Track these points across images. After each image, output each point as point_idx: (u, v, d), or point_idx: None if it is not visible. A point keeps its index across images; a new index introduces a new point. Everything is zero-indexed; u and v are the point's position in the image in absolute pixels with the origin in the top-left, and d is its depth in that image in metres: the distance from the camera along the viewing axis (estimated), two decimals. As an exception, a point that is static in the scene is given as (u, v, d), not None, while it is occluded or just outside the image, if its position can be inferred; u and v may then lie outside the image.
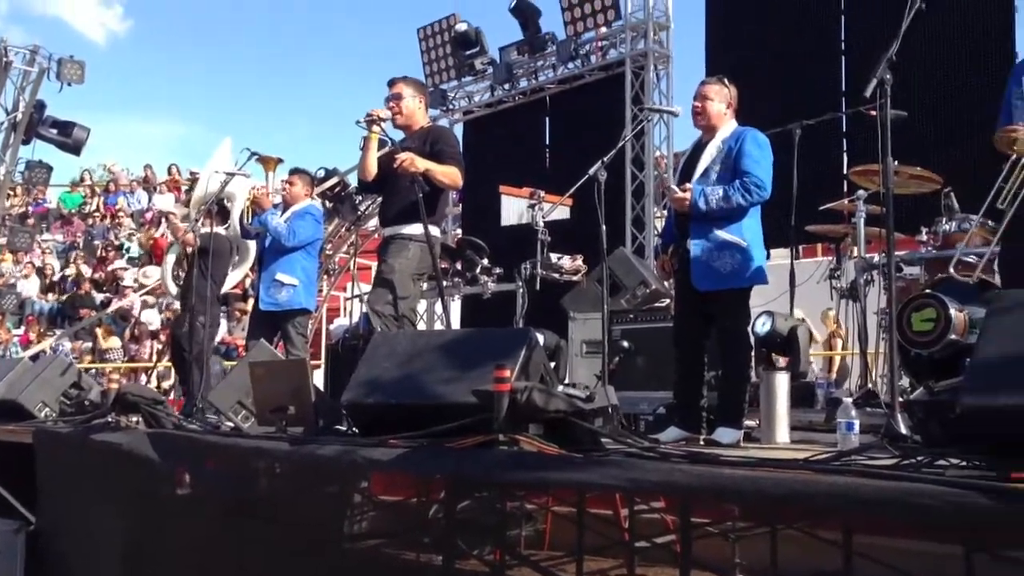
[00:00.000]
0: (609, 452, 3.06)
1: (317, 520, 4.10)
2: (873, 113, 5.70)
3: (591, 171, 4.68)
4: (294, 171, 7.08)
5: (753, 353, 4.81)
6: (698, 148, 4.80)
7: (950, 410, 2.52)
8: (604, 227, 4.66)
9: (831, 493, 2.42)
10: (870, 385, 5.35)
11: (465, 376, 3.55)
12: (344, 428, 3.91)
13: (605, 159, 4.71)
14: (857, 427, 3.45)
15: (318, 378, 8.24)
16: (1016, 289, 2.75)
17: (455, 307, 11.09)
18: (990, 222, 5.39)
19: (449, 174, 5.22)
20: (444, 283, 7.22)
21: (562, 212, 7.98)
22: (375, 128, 5.27)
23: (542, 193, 7.29)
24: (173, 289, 7.97)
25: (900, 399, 3.18)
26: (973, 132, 6.73)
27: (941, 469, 2.48)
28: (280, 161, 6.88)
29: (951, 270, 4.80)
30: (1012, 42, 7.10)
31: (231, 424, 4.86)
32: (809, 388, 5.61)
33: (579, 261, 7.43)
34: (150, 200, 18.70)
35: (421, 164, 5.06)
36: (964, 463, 2.51)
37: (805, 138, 6.44)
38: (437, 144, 5.28)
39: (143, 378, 12.56)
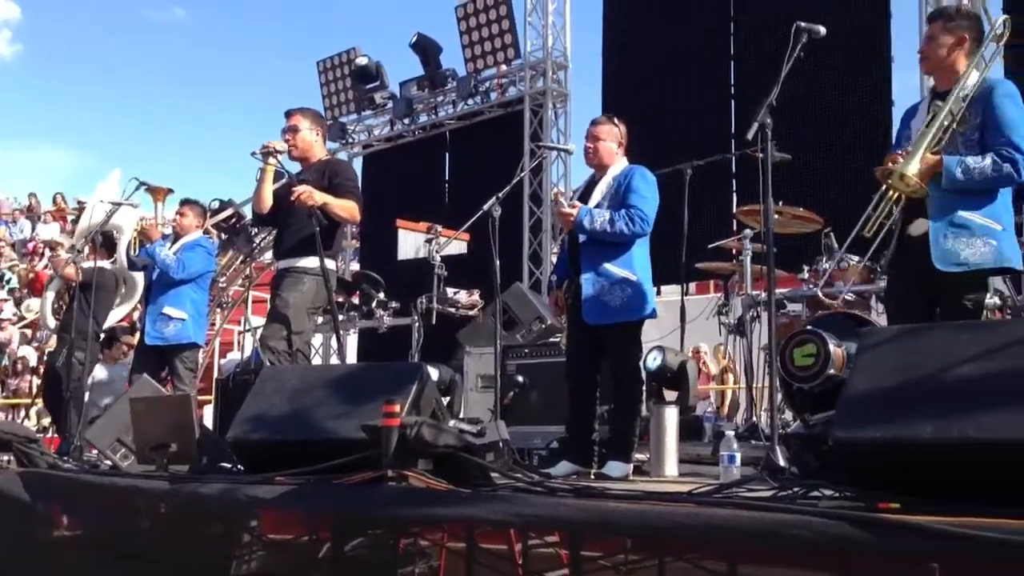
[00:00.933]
0: (498, 487, 3.06)
1: (202, 562, 3.97)
2: (759, 155, 5.95)
3: (485, 207, 4.73)
4: (185, 202, 6.93)
5: (644, 387, 4.88)
6: (591, 184, 4.90)
7: (824, 443, 2.61)
8: (498, 262, 4.70)
9: (712, 525, 2.47)
10: (755, 419, 5.50)
11: (355, 411, 3.52)
12: (229, 466, 3.82)
13: (499, 195, 4.77)
14: (739, 460, 3.54)
15: (208, 414, 8.05)
16: (889, 325, 2.87)
17: (352, 341, 10.98)
18: (868, 261, 5.64)
19: (347, 208, 5.19)
20: (340, 317, 7.15)
21: (459, 247, 7.99)
22: (271, 160, 5.21)
23: (439, 228, 7.31)
24: (52, 323, 7.67)
25: (780, 432, 3.27)
26: (852, 175, 7.04)
27: (815, 500, 2.57)
28: (170, 191, 6.72)
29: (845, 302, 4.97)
30: (889, 91, 7.47)
31: (109, 462, 4.68)
32: (697, 422, 5.74)
33: (475, 296, 7.46)
34: (33, 230, 18.02)
35: (319, 197, 5.02)
36: (836, 494, 2.60)
37: (696, 178, 6.64)
38: (335, 178, 5.24)
39: (22, 414, 12.04)
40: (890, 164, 3.62)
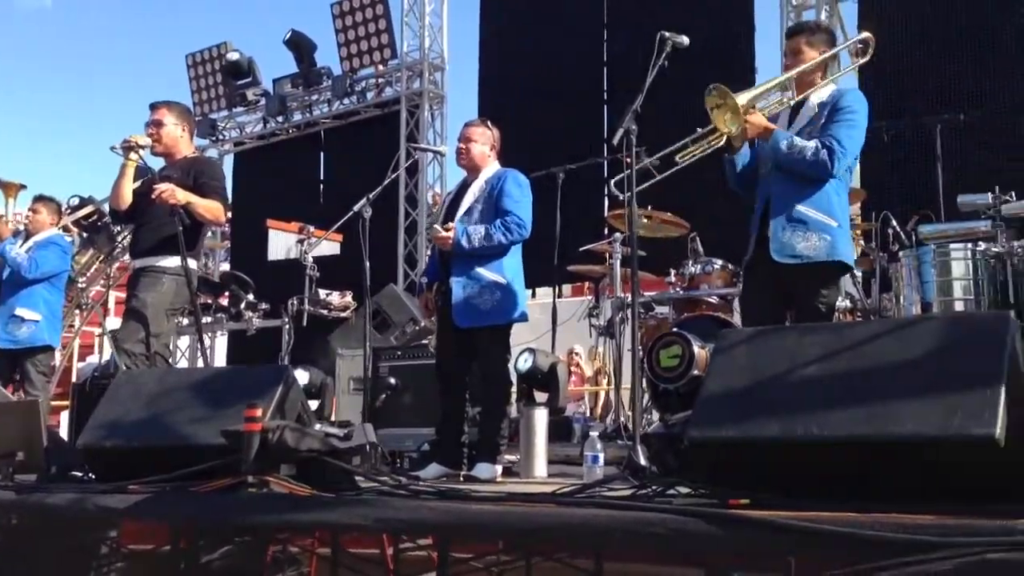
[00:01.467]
0: (362, 491, 3.02)
1: (57, 574, 3.80)
2: (629, 160, 6.07)
3: (355, 207, 4.67)
4: (39, 198, 6.61)
5: (514, 389, 4.91)
6: (463, 187, 4.89)
7: (681, 442, 2.68)
8: (368, 263, 4.66)
9: (572, 525, 2.50)
10: (622, 419, 5.60)
11: (215, 416, 3.42)
12: (80, 474, 3.66)
13: (370, 196, 4.72)
14: (602, 460, 3.59)
15: (65, 420, 7.69)
16: (744, 325, 2.97)
17: (221, 344, 10.70)
18: (730, 265, 5.83)
19: (211, 209, 5.02)
20: (207, 319, 6.95)
21: (332, 248, 7.90)
22: (132, 155, 5.01)
23: (311, 228, 7.19)
24: None
25: (641, 432, 3.34)
26: (717, 183, 7.25)
27: (671, 498, 2.63)
28: (22, 187, 6.40)
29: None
30: (753, 101, 7.73)
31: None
32: (567, 423, 5.81)
33: (348, 297, 7.37)
34: None
35: (182, 196, 4.86)
36: (692, 491, 2.67)
37: (569, 182, 6.73)
38: (201, 176, 5.07)
39: None
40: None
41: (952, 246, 4.35)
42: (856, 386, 2.42)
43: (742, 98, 3.72)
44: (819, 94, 3.94)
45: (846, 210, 3.93)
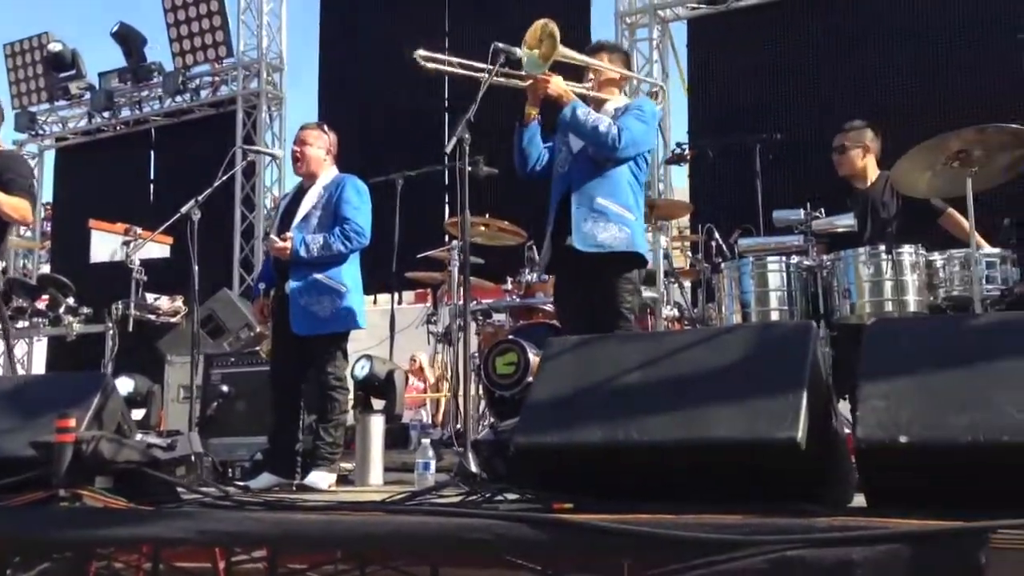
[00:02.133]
0: (184, 503, 2.92)
1: None
2: (469, 169, 6.12)
3: (183, 209, 4.52)
4: None
5: (349, 396, 4.87)
6: (299, 193, 4.81)
7: (509, 449, 2.72)
8: (196, 267, 4.52)
9: (401, 533, 2.50)
10: (459, 426, 5.64)
11: (26, 426, 3.23)
12: None
13: (198, 198, 4.58)
14: (433, 467, 3.61)
15: None
16: (566, 336, 3.05)
17: (39, 350, 10.12)
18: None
19: (18, 207, 4.70)
20: (22, 323, 6.56)
21: (162, 250, 7.60)
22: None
23: (138, 229, 6.91)
24: None
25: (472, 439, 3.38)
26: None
27: (498, 504, 2.67)
28: None
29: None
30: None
31: None
32: (404, 430, 5.79)
33: (178, 302, 7.11)
34: None
35: (-17, 193, 4.56)
36: (519, 496, 2.72)
37: (409, 188, 6.73)
38: (6, 172, 4.74)
39: None
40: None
41: (769, 259, 4.58)
42: (673, 392, 2.53)
43: (564, 50, 3.82)
44: (615, 102, 4.14)
45: (641, 207, 4.13)
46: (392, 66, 8.96)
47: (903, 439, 2.17)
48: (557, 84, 3.93)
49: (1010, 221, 4.46)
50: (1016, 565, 1.94)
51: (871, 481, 2.31)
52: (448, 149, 3.59)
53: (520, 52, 3.69)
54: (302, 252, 4.51)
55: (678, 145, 6.74)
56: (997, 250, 4.34)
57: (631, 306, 3.95)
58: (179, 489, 3.11)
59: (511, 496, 2.76)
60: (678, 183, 9.01)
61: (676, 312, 6.00)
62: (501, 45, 3.63)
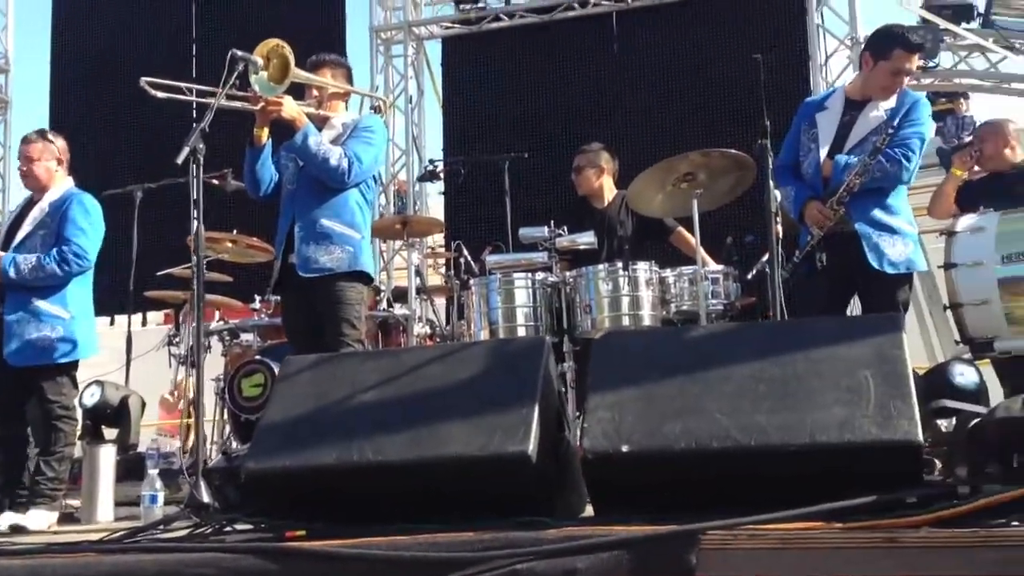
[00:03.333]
0: None
1: None
2: (215, 183, 5.85)
3: None
4: None
5: (76, 427, 4.49)
6: (27, 207, 4.45)
7: (241, 475, 2.59)
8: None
9: (117, 573, 2.31)
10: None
11: None
12: None
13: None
14: (161, 499, 3.39)
15: None
16: (304, 355, 2.95)
17: None
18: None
19: None
20: None
21: None
22: None
23: None
24: None
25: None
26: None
27: (227, 535, 2.53)
28: None
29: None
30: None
31: None
32: (140, 460, 5.42)
33: None
34: None
35: None
36: (252, 526, 2.59)
37: (149, 202, 6.36)
38: None
39: None
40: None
41: (515, 275, 4.67)
42: (409, 410, 2.51)
43: (298, 72, 3.78)
44: (341, 117, 4.16)
45: (368, 226, 4.16)
46: (131, 70, 8.46)
47: (625, 448, 2.25)
48: (290, 107, 3.85)
49: (731, 240, 4.79)
50: (724, 564, 2.05)
51: (597, 490, 2.38)
52: (180, 160, 3.39)
53: (259, 62, 3.56)
54: (11, 273, 4.15)
55: (431, 162, 6.78)
56: (721, 267, 4.64)
57: (357, 325, 3.96)
58: None
59: (243, 526, 2.63)
60: (434, 200, 9.09)
61: (428, 329, 6.00)
62: (240, 53, 3.49)
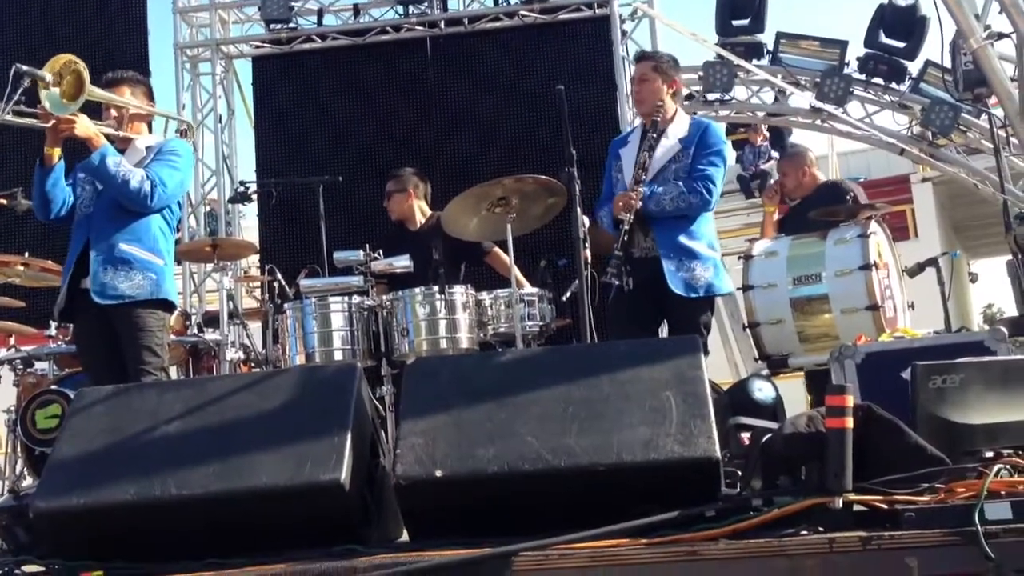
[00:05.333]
0: None
1: None
2: (3, 202, 5.48)
3: None
4: None
5: None
6: None
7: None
8: None
9: None
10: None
11: None
12: None
13: None
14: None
15: None
16: (99, 387, 2.80)
17: None
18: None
19: None
20: None
21: None
22: None
23: None
24: None
25: None
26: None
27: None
28: None
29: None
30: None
31: None
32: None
33: None
34: None
35: None
36: (44, 568, 2.43)
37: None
38: None
39: None
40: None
41: (331, 299, 4.59)
42: (216, 441, 2.42)
43: (95, 90, 3.64)
44: (145, 140, 4.04)
45: (171, 251, 4.06)
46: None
47: (439, 473, 2.25)
48: (85, 126, 3.68)
49: (545, 263, 4.90)
50: (537, 584, 2.09)
51: (411, 516, 2.38)
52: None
53: (48, 78, 3.36)
54: None
55: (242, 183, 6.57)
56: (536, 290, 4.74)
57: (160, 353, 3.84)
58: None
59: (34, 568, 2.46)
60: (249, 221, 8.84)
61: (242, 355, 5.82)
62: (25, 68, 3.28)
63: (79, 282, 3.84)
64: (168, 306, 3.95)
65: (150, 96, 4.13)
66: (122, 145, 3.89)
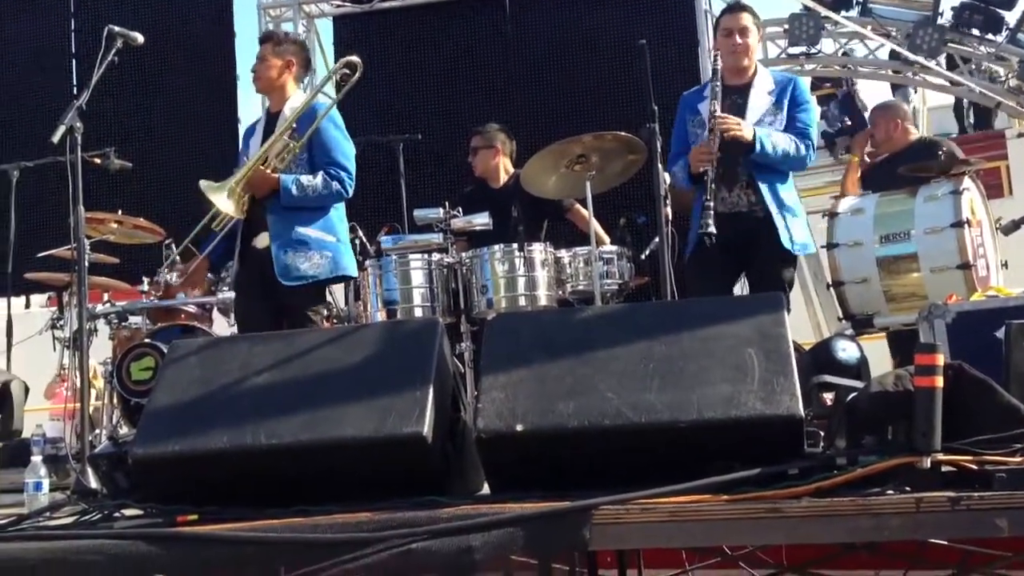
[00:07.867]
0: None
1: None
2: (97, 162, 5.65)
3: None
4: None
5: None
6: None
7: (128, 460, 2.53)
8: None
9: (3, 560, 2.25)
10: (91, 439, 5.20)
11: None
12: None
13: None
14: (47, 486, 3.28)
15: None
16: (191, 339, 2.90)
17: None
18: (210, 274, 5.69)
19: None
20: None
21: None
22: None
23: None
24: None
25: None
26: (192, 188, 7.07)
27: (115, 521, 2.48)
28: None
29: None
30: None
31: None
32: (24, 446, 5.22)
33: None
34: None
35: None
36: (142, 512, 2.54)
37: (27, 181, 6.11)
38: None
39: None
40: None
41: (411, 257, 4.64)
42: (303, 393, 2.48)
43: (230, 184, 3.94)
44: (292, 100, 4.21)
45: (345, 224, 4.45)
46: (8, 45, 8.09)
47: (519, 427, 2.28)
48: (261, 182, 4.09)
49: (624, 220, 4.87)
50: (617, 538, 2.11)
51: (492, 469, 2.41)
52: (55, 139, 3.27)
53: (141, 40, 3.44)
54: None
55: (323, 142, 6.65)
56: (614, 247, 4.72)
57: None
58: None
59: (133, 512, 2.57)
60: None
61: (324, 311, 5.93)
62: (117, 29, 3.37)
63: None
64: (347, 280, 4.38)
65: (299, 53, 4.39)
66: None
